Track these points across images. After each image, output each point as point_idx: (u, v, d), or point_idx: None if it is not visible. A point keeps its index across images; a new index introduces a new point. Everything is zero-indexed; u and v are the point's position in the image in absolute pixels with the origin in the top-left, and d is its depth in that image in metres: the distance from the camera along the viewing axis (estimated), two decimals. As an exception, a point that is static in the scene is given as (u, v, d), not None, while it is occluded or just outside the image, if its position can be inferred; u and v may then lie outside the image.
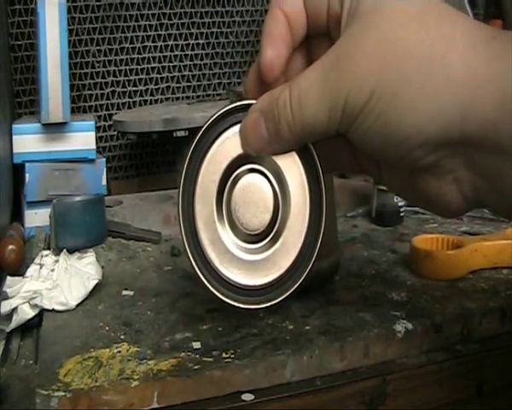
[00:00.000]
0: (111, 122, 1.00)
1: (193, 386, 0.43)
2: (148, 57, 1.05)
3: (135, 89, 1.05)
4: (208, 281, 0.41)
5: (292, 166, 0.41)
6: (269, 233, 0.42)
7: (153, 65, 1.06)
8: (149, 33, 1.05)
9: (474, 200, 0.38)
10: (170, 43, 1.06)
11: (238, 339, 0.48)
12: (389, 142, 0.37)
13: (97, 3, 1.00)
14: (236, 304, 0.41)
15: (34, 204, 0.79)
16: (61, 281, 0.55)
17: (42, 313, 0.53)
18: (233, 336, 0.49)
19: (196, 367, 0.44)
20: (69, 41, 0.89)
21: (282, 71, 0.41)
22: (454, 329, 0.51)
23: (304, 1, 0.41)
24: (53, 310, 0.53)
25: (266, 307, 0.41)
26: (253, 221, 0.42)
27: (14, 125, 0.80)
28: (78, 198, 0.65)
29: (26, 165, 0.79)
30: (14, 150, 0.79)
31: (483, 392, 0.50)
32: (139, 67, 1.05)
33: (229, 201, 0.42)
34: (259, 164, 0.42)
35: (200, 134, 0.41)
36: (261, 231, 0.42)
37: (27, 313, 0.53)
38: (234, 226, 0.42)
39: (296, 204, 0.41)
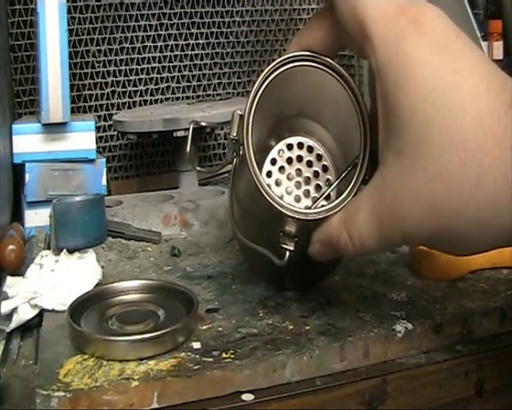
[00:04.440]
0: (111, 122, 1.00)
1: (193, 386, 0.43)
2: (148, 57, 1.05)
3: (135, 89, 1.05)
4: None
5: None
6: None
7: (153, 65, 1.06)
8: (149, 33, 1.04)
9: None
10: (170, 43, 1.06)
11: (238, 339, 0.48)
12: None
13: (97, 3, 1.00)
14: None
15: (34, 204, 0.79)
16: (61, 281, 0.55)
17: (42, 313, 0.53)
18: (233, 336, 0.49)
19: (196, 367, 0.44)
20: (69, 41, 0.89)
21: None
22: (454, 329, 0.51)
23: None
24: (53, 310, 0.53)
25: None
26: None
27: (14, 126, 0.80)
28: (78, 198, 0.65)
29: (26, 165, 0.79)
30: (14, 150, 0.79)
31: (483, 392, 0.50)
32: (139, 67, 1.05)
33: None
34: None
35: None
36: None
37: (27, 313, 0.52)
38: None
39: None
